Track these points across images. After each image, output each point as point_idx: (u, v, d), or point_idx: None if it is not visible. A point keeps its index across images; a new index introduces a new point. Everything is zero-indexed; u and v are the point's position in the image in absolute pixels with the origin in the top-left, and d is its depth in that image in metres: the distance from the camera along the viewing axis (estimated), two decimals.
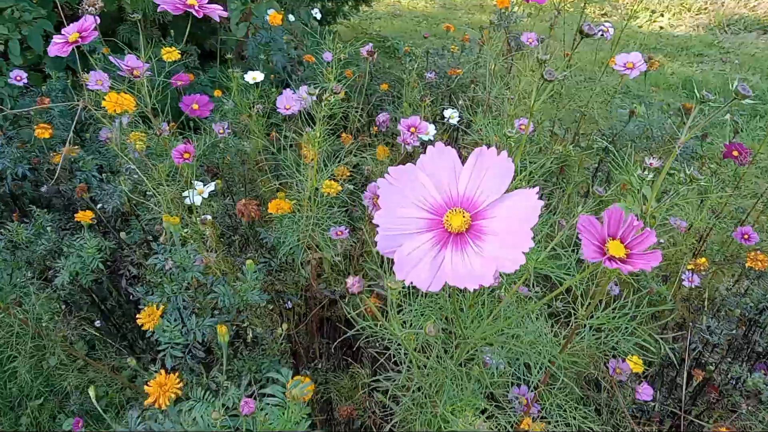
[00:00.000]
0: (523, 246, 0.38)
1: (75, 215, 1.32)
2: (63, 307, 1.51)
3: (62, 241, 1.46)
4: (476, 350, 0.65)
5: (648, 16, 4.49)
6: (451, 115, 1.57)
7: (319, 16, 2.80)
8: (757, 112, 3.40)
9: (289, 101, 1.44)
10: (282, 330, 0.93)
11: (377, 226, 0.42)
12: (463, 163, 0.45)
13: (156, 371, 0.91)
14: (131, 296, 1.37)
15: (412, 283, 0.39)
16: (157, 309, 0.89)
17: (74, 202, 1.67)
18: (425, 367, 0.64)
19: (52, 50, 0.85)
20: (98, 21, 0.85)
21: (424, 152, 0.47)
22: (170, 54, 1.55)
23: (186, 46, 2.81)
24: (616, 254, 0.45)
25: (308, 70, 2.28)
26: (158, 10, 0.79)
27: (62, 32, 0.88)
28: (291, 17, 2.62)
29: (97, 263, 1.25)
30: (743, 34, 5.32)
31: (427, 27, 5.20)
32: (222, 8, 0.85)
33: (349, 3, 3.86)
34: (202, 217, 0.88)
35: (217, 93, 1.85)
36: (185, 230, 0.94)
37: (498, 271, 0.39)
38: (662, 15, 5.32)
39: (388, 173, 0.45)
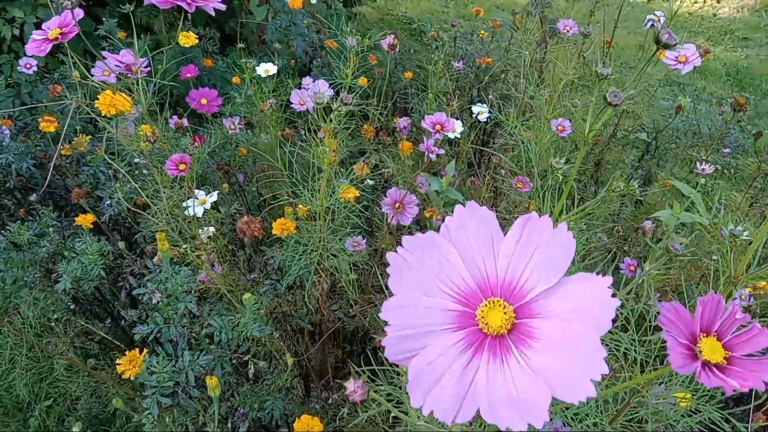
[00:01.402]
0: (592, 371, 0.26)
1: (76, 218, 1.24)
2: (72, 306, 1.45)
3: (65, 244, 1.39)
4: None
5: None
6: (480, 111, 1.44)
7: None
8: None
9: (304, 96, 1.33)
10: (289, 361, 0.83)
11: (386, 323, 0.30)
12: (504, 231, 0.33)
13: (147, 409, 0.82)
14: (136, 300, 1.30)
15: (432, 413, 0.28)
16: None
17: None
18: None
19: (30, 48, 0.75)
20: (81, 15, 0.74)
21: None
22: (187, 39, 1.44)
23: (205, 29, 2.71)
24: (713, 359, 0.33)
25: (330, 55, 2.16)
26: (144, 4, 0.69)
27: (43, 27, 0.77)
28: None
29: (99, 270, 1.17)
30: None
31: (455, 8, 5.01)
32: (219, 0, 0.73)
33: None
34: (197, 242, 0.78)
35: (236, 80, 1.74)
36: (183, 247, 0.84)
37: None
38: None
39: (401, 245, 0.32)
